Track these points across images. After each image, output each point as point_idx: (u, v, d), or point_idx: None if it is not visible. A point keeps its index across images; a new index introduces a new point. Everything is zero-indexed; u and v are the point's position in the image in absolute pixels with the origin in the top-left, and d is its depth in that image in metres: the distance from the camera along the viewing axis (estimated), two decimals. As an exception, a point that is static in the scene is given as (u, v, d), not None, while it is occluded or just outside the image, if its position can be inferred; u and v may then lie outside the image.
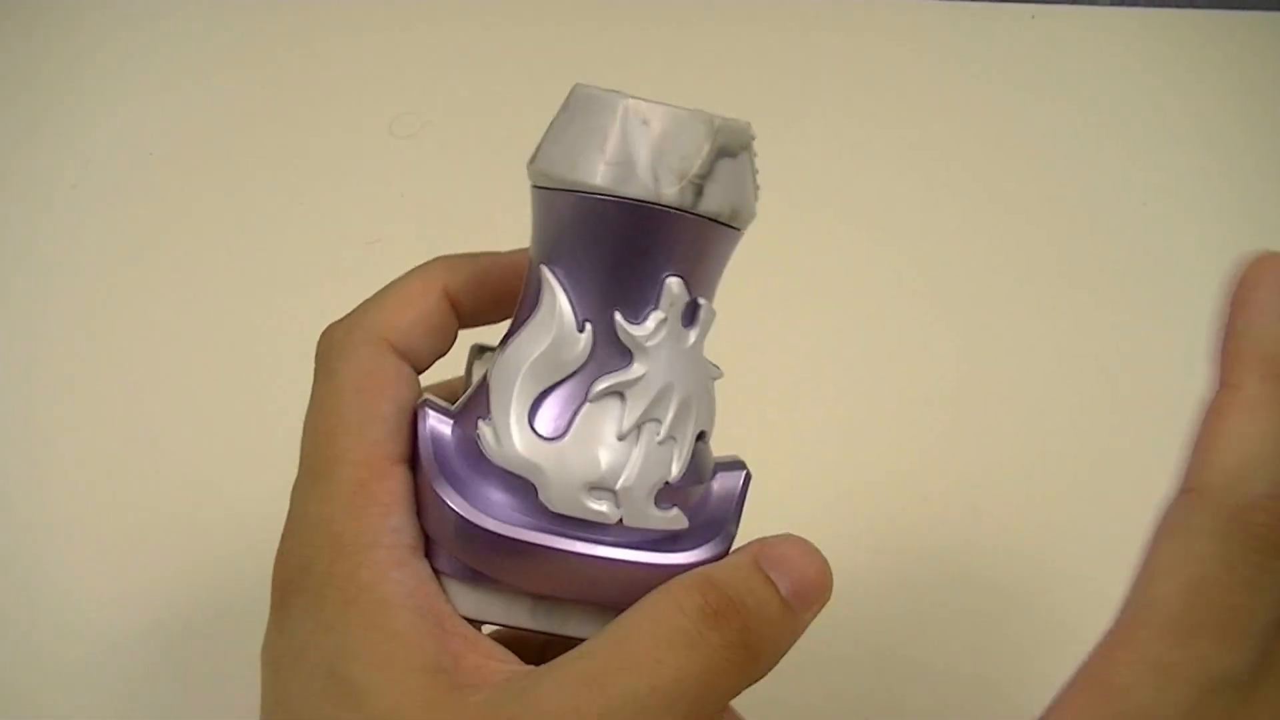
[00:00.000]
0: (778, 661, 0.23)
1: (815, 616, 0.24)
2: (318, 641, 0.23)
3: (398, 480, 0.24)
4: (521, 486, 0.24)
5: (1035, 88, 0.61)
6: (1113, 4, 0.66)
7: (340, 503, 0.24)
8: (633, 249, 0.25)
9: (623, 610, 0.23)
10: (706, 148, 0.25)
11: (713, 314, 0.26)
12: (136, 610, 0.42)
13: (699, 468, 0.26)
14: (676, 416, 0.25)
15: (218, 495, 0.45)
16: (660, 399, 0.25)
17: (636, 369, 0.25)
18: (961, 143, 0.59)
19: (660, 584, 0.24)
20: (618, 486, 0.24)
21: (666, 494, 0.25)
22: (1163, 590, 0.21)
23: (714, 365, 0.26)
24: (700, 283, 0.25)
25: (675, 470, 0.25)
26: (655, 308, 0.25)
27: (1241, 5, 0.65)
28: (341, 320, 0.27)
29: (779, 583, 0.24)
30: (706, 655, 0.22)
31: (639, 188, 0.24)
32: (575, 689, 0.21)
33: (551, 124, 0.26)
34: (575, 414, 0.25)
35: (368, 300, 0.27)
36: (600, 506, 0.24)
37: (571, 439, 0.25)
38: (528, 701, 0.21)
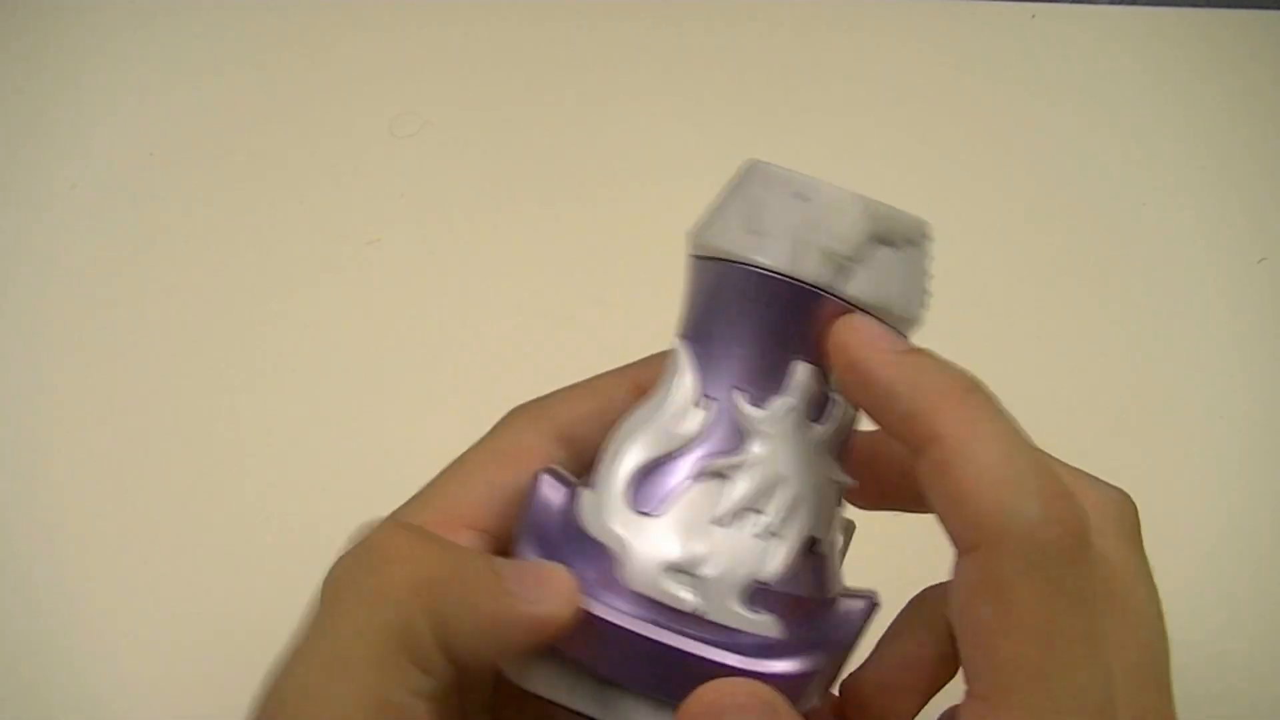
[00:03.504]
0: None
1: None
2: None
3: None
4: (607, 560, 0.23)
5: (1035, 88, 0.61)
6: (1112, 4, 0.66)
7: (385, 552, 0.23)
8: (763, 326, 0.23)
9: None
10: (861, 230, 0.23)
11: (852, 416, 0.24)
12: (137, 611, 0.42)
13: (809, 579, 0.23)
14: (783, 511, 0.23)
15: (218, 495, 0.45)
16: (767, 489, 0.23)
17: (747, 452, 0.23)
18: (961, 142, 0.59)
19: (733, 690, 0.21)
20: (700, 573, 0.22)
21: (761, 596, 0.23)
22: (1011, 647, 0.19)
23: (843, 473, 0.24)
24: (818, 360, 0.23)
25: (772, 569, 0.23)
26: (780, 393, 0.23)
27: (1241, 5, 0.65)
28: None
29: None
30: None
31: (775, 258, 0.23)
32: None
33: (721, 195, 0.25)
34: (676, 492, 0.23)
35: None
36: (678, 591, 0.22)
37: (666, 517, 0.23)
38: None
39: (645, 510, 0.23)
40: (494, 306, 0.51)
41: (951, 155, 0.58)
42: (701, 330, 0.24)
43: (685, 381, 0.24)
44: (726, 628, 0.22)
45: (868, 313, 0.23)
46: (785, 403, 0.23)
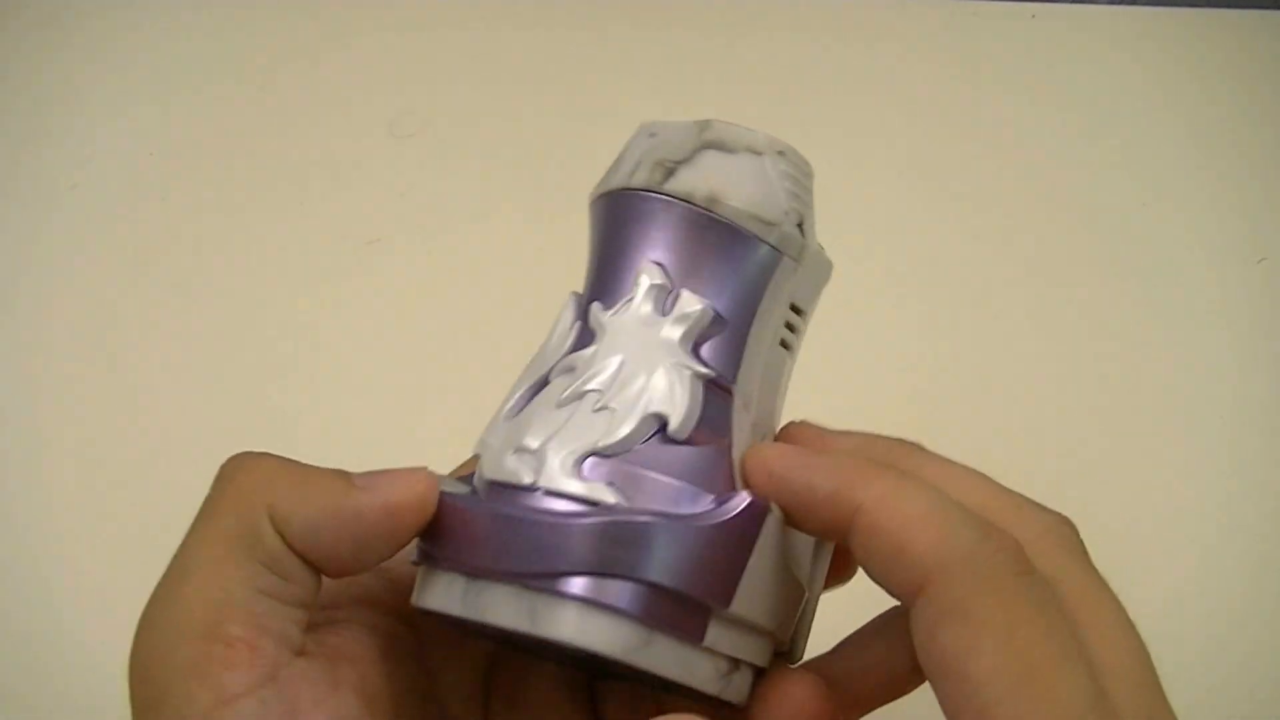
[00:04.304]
0: None
1: None
2: None
3: None
4: (477, 466, 0.25)
5: (1035, 88, 0.61)
6: (1113, 4, 0.66)
7: None
8: (612, 239, 0.25)
9: (537, 589, 0.22)
10: (693, 141, 0.25)
11: (699, 310, 0.24)
12: (136, 611, 0.42)
13: (658, 456, 0.23)
14: (618, 388, 0.23)
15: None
16: (602, 370, 0.24)
17: (592, 346, 0.24)
18: (961, 142, 0.59)
19: (556, 549, 0.22)
20: (537, 449, 0.23)
21: (596, 466, 0.23)
22: (983, 663, 0.20)
23: (704, 365, 0.24)
24: (687, 275, 0.24)
25: (606, 440, 0.23)
26: (628, 295, 0.25)
27: (1241, 5, 0.64)
28: None
29: None
30: None
31: (620, 180, 0.25)
32: None
33: None
34: (537, 397, 0.25)
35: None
36: (519, 469, 0.23)
37: (520, 415, 0.24)
38: None
39: (511, 419, 0.25)
40: (494, 306, 0.51)
41: (951, 155, 0.58)
42: (587, 268, 0.26)
43: (566, 314, 0.25)
44: (562, 494, 0.23)
45: (693, 205, 0.24)
46: (627, 299, 0.24)
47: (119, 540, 0.44)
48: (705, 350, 0.25)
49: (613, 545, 0.22)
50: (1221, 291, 0.53)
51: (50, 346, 0.50)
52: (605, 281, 0.25)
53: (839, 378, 0.49)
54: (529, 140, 0.58)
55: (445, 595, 0.23)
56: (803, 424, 0.27)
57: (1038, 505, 0.24)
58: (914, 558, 0.21)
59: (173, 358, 0.50)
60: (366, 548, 0.23)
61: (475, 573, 0.23)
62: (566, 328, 0.25)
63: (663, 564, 0.22)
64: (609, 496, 0.23)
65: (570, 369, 0.24)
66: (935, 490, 0.22)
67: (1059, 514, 0.24)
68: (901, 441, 0.26)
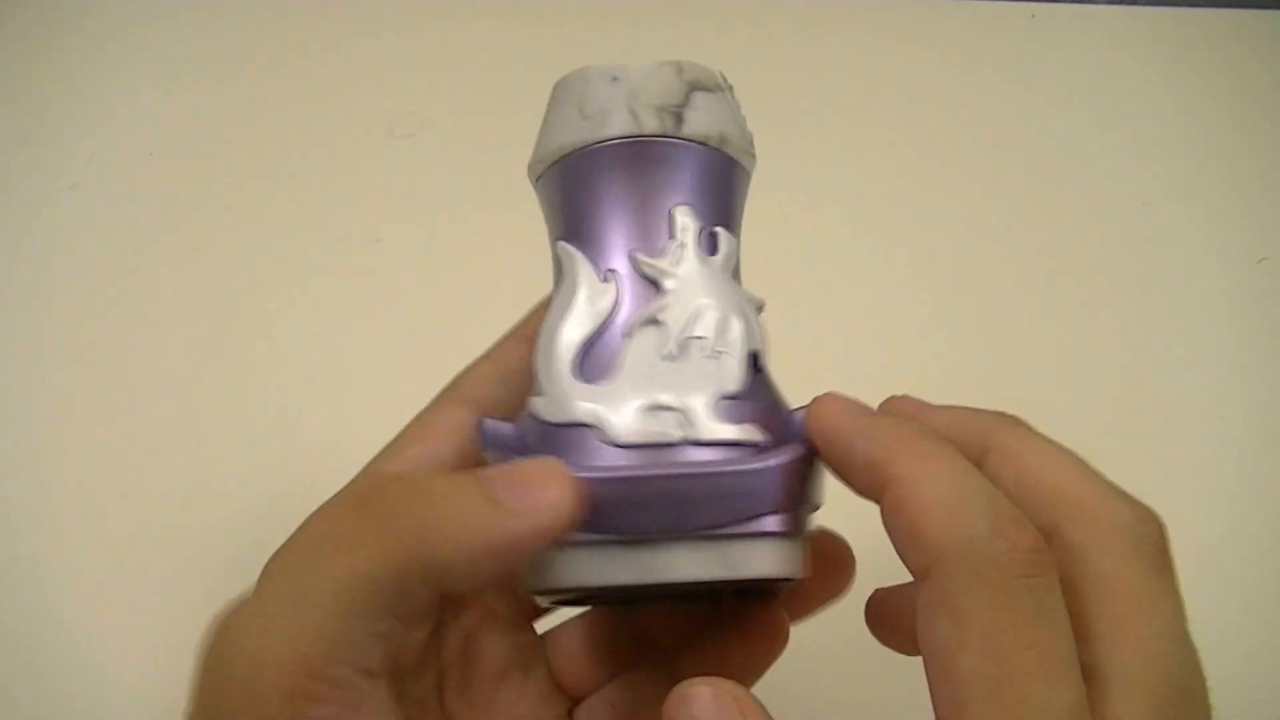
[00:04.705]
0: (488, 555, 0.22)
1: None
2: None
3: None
4: (586, 436, 0.24)
5: (1035, 88, 0.61)
6: (1113, 4, 0.66)
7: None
8: (633, 188, 0.25)
9: (729, 536, 0.23)
10: (678, 84, 0.26)
11: (735, 243, 0.26)
12: (137, 613, 0.42)
13: (762, 389, 0.25)
14: (720, 331, 0.25)
15: (219, 495, 0.45)
16: (696, 316, 0.25)
17: (667, 292, 0.25)
18: (961, 142, 0.59)
19: (749, 494, 0.23)
20: (674, 404, 0.24)
21: (732, 409, 0.24)
22: (966, 660, 0.20)
23: (754, 295, 0.26)
24: (712, 212, 0.26)
25: (731, 383, 0.24)
26: (671, 239, 0.25)
27: (1241, 5, 0.64)
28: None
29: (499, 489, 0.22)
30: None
31: (620, 126, 0.25)
32: None
33: (541, 125, 0.27)
34: (619, 353, 0.25)
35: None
36: (663, 427, 0.24)
37: (621, 374, 0.24)
38: None
39: (599, 380, 0.24)
40: (494, 306, 0.50)
41: (951, 155, 0.58)
42: (575, 226, 0.26)
43: (584, 269, 0.25)
44: (718, 442, 0.24)
45: (710, 147, 0.25)
46: (678, 244, 0.25)
47: (118, 539, 0.44)
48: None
49: (796, 481, 0.24)
50: (1221, 291, 0.53)
51: (50, 346, 0.50)
52: (636, 231, 0.25)
53: (838, 378, 0.49)
54: (529, 140, 0.57)
55: (608, 567, 0.23)
56: (904, 398, 0.27)
57: (1126, 497, 0.23)
58: (924, 540, 0.21)
59: (173, 357, 0.50)
60: (505, 573, 0.23)
61: (647, 537, 0.23)
62: (594, 280, 0.25)
63: (821, 488, 0.25)
64: (759, 436, 0.24)
65: (654, 321, 0.25)
66: (966, 475, 0.21)
67: (1146, 509, 0.23)
68: (1001, 416, 0.25)
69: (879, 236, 0.54)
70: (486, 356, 0.28)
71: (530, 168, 0.27)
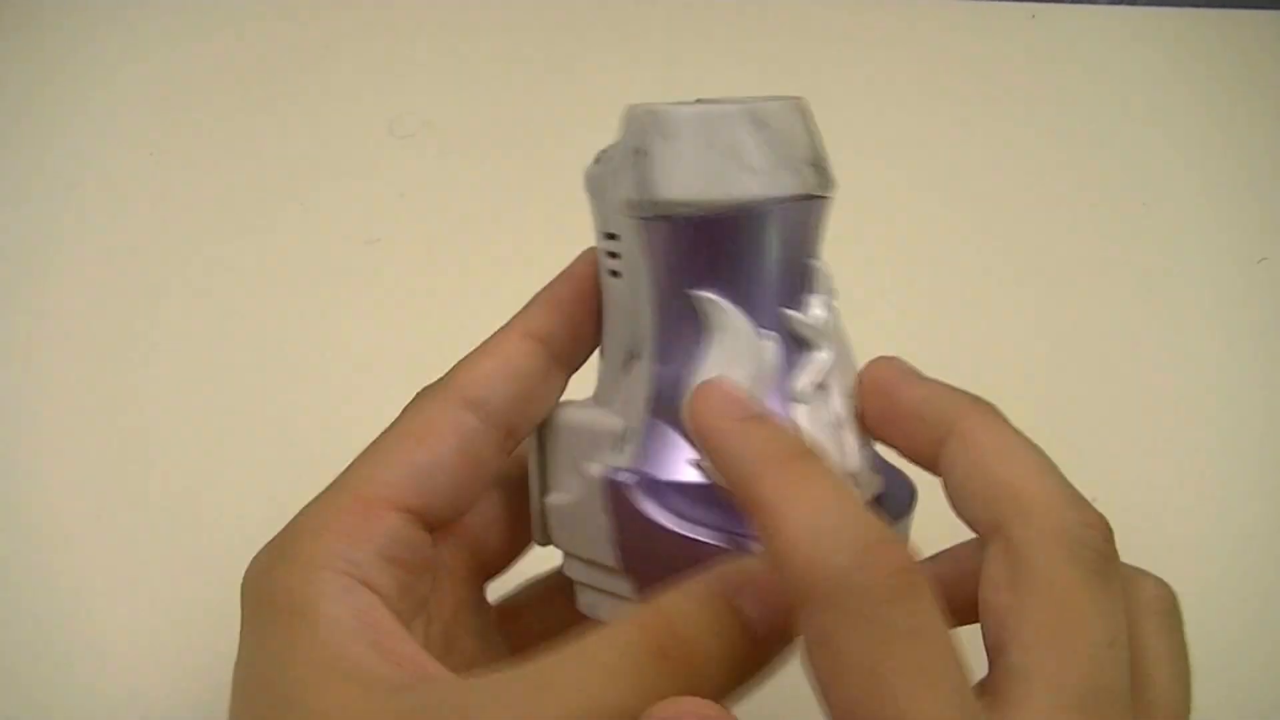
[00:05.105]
0: (745, 685, 0.22)
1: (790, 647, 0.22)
2: (258, 658, 0.23)
3: (377, 521, 0.24)
4: None
5: (1035, 88, 0.61)
6: (1113, 4, 0.66)
7: (312, 523, 0.24)
8: (786, 243, 0.25)
9: None
10: (812, 135, 0.26)
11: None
12: (136, 614, 0.42)
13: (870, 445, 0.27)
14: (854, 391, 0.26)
15: (219, 495, 0.45)
16: (844, 378, 0.26)
17: (824, 356, 0.25)
18: (960, 143, 0.59)
19: None
20: (854, 470, 0.25)
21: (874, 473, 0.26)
22: (840, 693, 0.19)
23: (848, 342, 0.27)
24: (819, 254, 0.26)
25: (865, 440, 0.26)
26: (811, 292, 0.25)
27: (1241, 5, 0.65)
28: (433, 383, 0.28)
29: (748, 609, 0.22)
30: (640, 691, 0.20)
31: (792, 185, 0.25)
32: (503, 700, 0.21)
33: (646, 153, 0.25)
34: (786, 416, 0.25)
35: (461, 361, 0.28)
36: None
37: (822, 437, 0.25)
38: (453, 704, 0.21)
39: None
40: (494, 306, 0.51)
41: (950, 155, 0.58)
42: (721, 275, 0.25)
43: (741, 323, 0.25)
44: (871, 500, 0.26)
45: (829, 197, 0.26)
46: (822, 299, 0.26)
47: (118, 539, 0.44)
48: None
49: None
50: (1221, 291, 0.53)
51: (50, 347, 0.50)
52: (785, 286, 0.25)
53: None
54: (529, 140, 0.58)
55: None
56: (891, 360, 0.27)
57: (1076, 498, 0.23)
58: (790, 576, 0.20)
59: (172, 357, 0.50)
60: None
61: None
62: (754, 338, 0.25)
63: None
64: (881, 487, 0.27)
65: (819, 385, 0.25)
66: (830, 497, 0.21)
67: (1092, 511, 0.23)
68: (975, 400, 0.25)
69: (878, 237, 0.54)
70: (487, 353, 0.28)
71: (659, 204, 0.25)
